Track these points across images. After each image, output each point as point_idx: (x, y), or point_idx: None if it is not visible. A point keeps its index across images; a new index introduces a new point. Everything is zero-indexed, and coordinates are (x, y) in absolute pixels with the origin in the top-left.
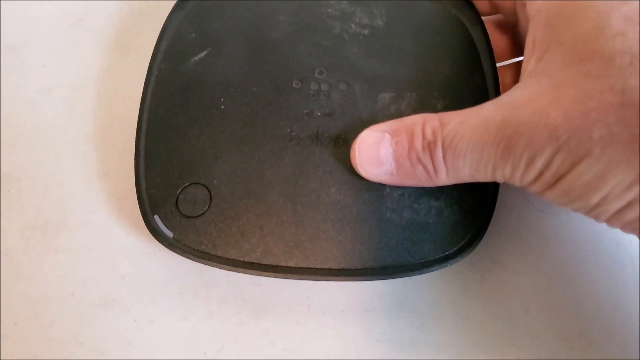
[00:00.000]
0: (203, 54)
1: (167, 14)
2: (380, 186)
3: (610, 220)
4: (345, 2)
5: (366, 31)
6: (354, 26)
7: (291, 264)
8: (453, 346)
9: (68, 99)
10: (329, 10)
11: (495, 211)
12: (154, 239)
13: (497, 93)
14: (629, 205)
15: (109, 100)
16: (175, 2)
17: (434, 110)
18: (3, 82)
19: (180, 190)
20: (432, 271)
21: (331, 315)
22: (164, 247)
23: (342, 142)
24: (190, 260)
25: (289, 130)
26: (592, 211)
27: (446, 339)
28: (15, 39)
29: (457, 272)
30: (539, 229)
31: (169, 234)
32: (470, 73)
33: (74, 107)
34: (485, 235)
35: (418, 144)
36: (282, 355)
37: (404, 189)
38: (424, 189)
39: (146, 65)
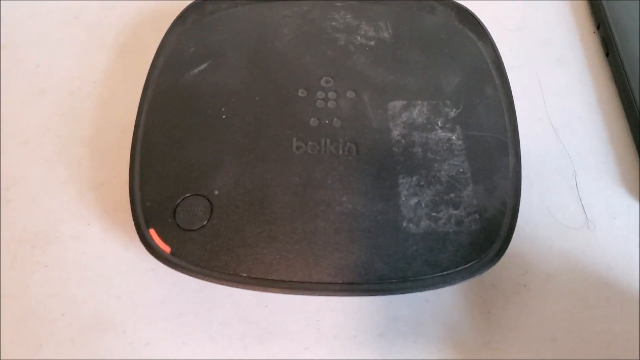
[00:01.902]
0: (203, 66)
1: (166, 12)
2: (395, 194)
3: None
4: (349, 16)
5: (372, 43)
6: (359, 38)
7: (299, 278)
8: None
9: (62, 102)
10: (333, 23)
11: (518, 228)
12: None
13: (510, 104)
14: None
15: (106, 103)
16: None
17: (447, 118)
18: None
19: (179, 202)
20: (453, 284)
21: (342, 340)
22: (162, 264)
23: (352, 150)
24: (190, 278)
25: (295, 139)
26: None
27: None
28: (7, 36)
29: (478, 295)
30: (565, 246)
31: (166, 248)
32: (481, 83)
33: (68, 110)
34: (509, 256)
35: None
36: None
37: (420, 196)
38: (441, 196)
39: (145, 66)
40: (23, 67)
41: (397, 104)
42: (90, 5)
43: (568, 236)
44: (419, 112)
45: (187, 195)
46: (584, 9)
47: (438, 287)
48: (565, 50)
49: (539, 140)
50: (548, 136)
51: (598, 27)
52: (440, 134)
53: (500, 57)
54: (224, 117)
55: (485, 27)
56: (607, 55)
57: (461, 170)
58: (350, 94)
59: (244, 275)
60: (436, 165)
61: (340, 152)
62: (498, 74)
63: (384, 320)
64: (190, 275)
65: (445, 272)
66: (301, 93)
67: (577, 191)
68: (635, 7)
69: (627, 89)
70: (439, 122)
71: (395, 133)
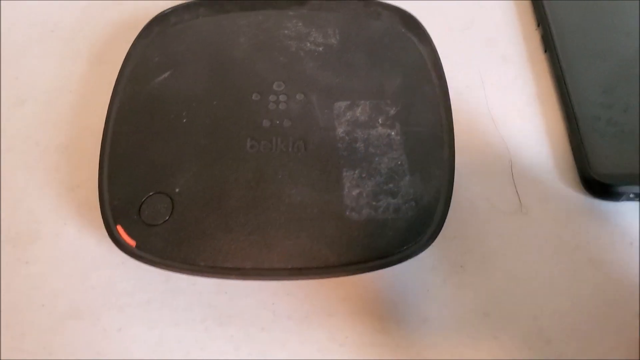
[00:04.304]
0: (166, 74)
1: (138, 24)
2: (340, 186)
3: None
4: (300, 24)
5: (321, 48)
6: (309, 44)
7: (253, 265)
8: (414, 348)
9: (41, 111)
10: (286, 31)
11: (455, 212)
12: None
13: (446, 101)
14: None
15: (81, 111)
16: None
17: (387, 115)
18: None
19: (143, 200)
20: (391, 266)
21: (295, 321)
22: (129, 257)
23: (301, 147)
24: (156, 269)
25: (249, 138)
26: None
27: (407, 342)
28: None
29: (419, 276)
30: (501, 230)
31: (132, 243)
32: (420, 83)
33: (47, 119)
34: (448, 240)
35: None
36: None
37: (362, 187)
38: (381, 187)
39: (116, 76)
40: (3, 79)
41: (342, 104)
42: (65, 20)
43: (504, 220)
44: (361, 111)
45: (151, 193)
46: (527, 8)
47: (378, 269)
48: (509, 48)
49: (480, 133)
50: (488, 129)
51: (538, 25)
52: (381, 130)
53: (439, 58)
54: (184, 120)
55: (426, 30)
56: (545, 51)
57: (399, 162)
58: (299, 96)
59: (202, 264)
60: (377, 159)
61: (290, 149)
62: (436, 74)
63: (334, 301)
64: (155, 266)
65: (384, 256)
66: (255, 97)
67: (513, 178)
68: (572, 5)
69: (562, 83)
70: (379, 120)
71: (340, 131)
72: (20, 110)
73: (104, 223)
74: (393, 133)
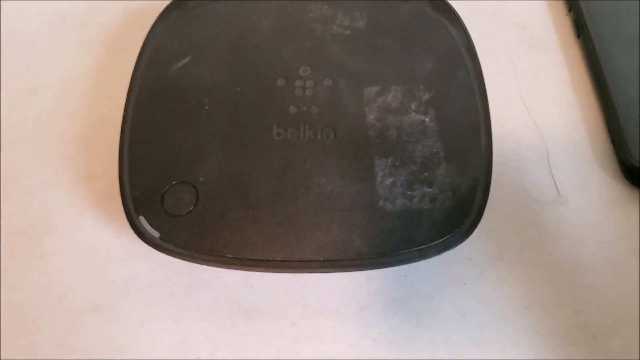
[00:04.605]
0: (186, 59)
1: (151, 11)
2: (372, 175)
3: None
4: (325, 6)
5: (348, 32)
6: (335, 27)
7: (282, 257)
8: (451, 344)
9: (54, 99)
10: (310, 14)
11: (491, 203)
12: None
13: (481, 86)
14: None
15: (95, 99)
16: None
17: (420, 101)
18: None
19: (166, 190)
20: (428, 258)
21: (327, 315)
22: (153, 249)
23: (330, 134)
24: (180, 262)
25: (275, 126)
26: None
27: (444, 337)
28: None
29: (455, 268)
30: (537, 220)
31: (155, 234)
32: (454, 68)
33: (60, 108)
34: (484, 230)
35: None
36: (277, 356)
37: (396, 176)
38: (416, 176)
39: (131, 63)
40: (15, 67)
41: (372, 89)
42: (77, 6)
43: (540, 210)
44: (393, 97)
45: (174, 183)
46: None
47: (414, 261)
48: (539, 34)
49: (513, 121)
50: (522, 116)
51: (569, 10)
52: (414, 116)
53: (472, 42)
54: (207, 107)
55: (458, 14)
56: (578, 37)
57: (434, 150)
58: (327, 82)
59: (230, 256)
60: (410, 147)
61: (319, 137)
62: (470, 58)
63: (365, 295)
64: (179, 258)
65: (420, 247)
66: (280, 82)
67: (549, 167)
68: None
69: (598, 69)
70: (412, 106)
71: (371, 117)
72: (32, 99)
73: (125, 214)
74: (427, 119)
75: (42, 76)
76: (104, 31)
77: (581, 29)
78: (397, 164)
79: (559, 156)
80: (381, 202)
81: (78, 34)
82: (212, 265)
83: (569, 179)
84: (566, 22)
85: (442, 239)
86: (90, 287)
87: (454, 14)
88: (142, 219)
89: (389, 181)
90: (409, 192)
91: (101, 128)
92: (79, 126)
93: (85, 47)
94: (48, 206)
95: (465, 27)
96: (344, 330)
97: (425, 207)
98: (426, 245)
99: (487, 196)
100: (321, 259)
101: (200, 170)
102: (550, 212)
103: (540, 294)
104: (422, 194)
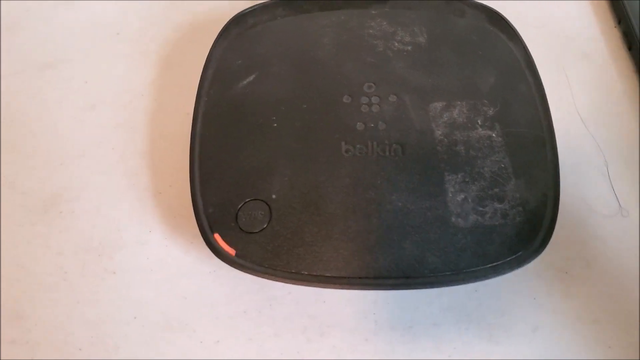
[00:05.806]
0: (251, 77)
1: (203, 25)
2: (442, 191)
3: None
4: (385, 23)
5: (409, 47)
6: (396, 44)
7: (357, 274)
8: (524, 358)
9: (113, 115)
10: (370, 31)
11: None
12: (213, 257)
13: (543, 100)
14: None
15: (155, 116)
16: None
17: (486, 116)
18: (43, 99)
19: (240, 207)
20: (502, 274)
21: (399, 331)
22: (223, 265)
23: (398, 151)
24: (250, 278)
25: (343, 142)
26: None
27: (516, 350)
28: (52, 55)
29: (524, 283)
30: (601, 232)
31: (231, 251)
32: (515, 82)
33: (120, 123)
34: (550, 244)
35: None
36: None
37: (467, 192)
38: (486, 191)
39: (188, 78)
40: (72, 84)
41: (438, 105)
42: (129, 22)
43: (603, 223)
44: (459, 112)
45: (247, 200)
46: (603, 6)
47: (489, 278)
48: (589, 46)
49: (570, 133)
50: (578, 129)
51: (619, 22)
52: (481, 131)
53: (531, 56)
54: (275, 125)
55: (515, 28)
56: (629, 49)
57: (503, 165)
58: (392, 98)
59: (305, 273)
60: (479, 162)
61: (387, 153)
62: (530, 72)
63: (437, 310)
64: (255, 274)
65: (494, 263)
66: (346, 99)
67: (610, 180)
68: None
69: None
70: (478, 121)
71: (438, 133)
72: (91, 115)
73: (200, 231)
74: (494, 134)
75: (99, 92)
76: (158, 46)
77: (632, 40)
78: (467, 180)
79: (618, 168)
80: (453, 218)
81: (131, 49)
82: (287, 282)
83: (629, 191)
84: (615, 33)
85: (515, 255)
86: (163, 304)
87: (511, 27)
88: (217, 236)
89: (460, 197)
90: (480, 208)
91: (163, 144)
92: (140, 142)
93: (139, 63)
94: (115, 222)
95: (523, 41)
96: (417, 346)
97: (497, 222)
98: (500, 262)
99: (557, 211)
100: (396, 276)
101: (271, 188)
102: (613, 225)
103: (609, 307)
104: (494, 210)
